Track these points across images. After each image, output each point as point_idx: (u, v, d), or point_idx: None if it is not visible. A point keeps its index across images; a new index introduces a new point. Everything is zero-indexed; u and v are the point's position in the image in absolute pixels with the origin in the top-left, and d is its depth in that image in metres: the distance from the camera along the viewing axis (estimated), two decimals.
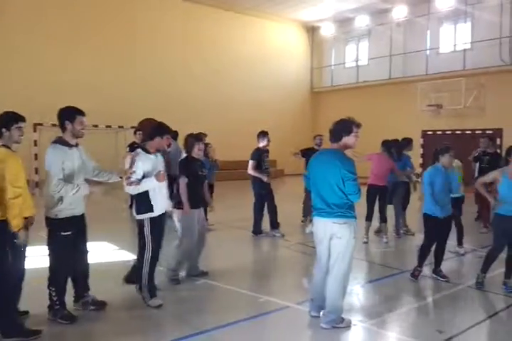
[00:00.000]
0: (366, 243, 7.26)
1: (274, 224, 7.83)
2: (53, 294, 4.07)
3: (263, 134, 7.76)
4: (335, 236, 4.02)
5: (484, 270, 5.09)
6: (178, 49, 17.24)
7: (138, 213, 4.45)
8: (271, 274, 5.84)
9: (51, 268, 4.09)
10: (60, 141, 4.07)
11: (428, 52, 17.65)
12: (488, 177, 5.19)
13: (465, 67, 16.18)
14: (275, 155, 21.39)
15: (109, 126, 14.42)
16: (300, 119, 21.23)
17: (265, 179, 7.56)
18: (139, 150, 4.49)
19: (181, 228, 5.32)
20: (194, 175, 5.33)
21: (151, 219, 4.41)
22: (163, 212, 4.58)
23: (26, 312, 4.18)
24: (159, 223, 4.51)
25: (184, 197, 5.21)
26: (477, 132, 14.88)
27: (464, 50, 16.48)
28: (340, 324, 4.09)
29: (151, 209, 4.37)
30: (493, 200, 5.07)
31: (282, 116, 20.32)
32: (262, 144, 7.75)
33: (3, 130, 3.77)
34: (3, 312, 3.75)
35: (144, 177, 4.32)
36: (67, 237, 4.04)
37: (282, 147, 20.95)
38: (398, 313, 4.50)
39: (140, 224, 4.44)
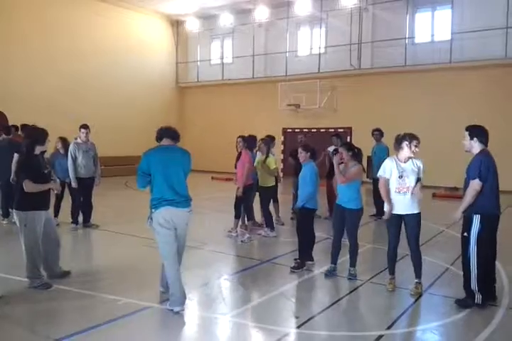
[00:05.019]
0: (229, 237, 7.48)
1: None
2: None
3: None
4: None
5: (334, 261, 5.53)
6: (34, 37, 15.58)
7: None
8: (130, 275, 5.53)
9: None
10: None
11: (287, 54, 18.61)
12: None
13: (320, 69, 17.40)
14: (141, 150, 20.86)
15: None
16: (166, 114, 20.73)
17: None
18: None
19: (21, 231, 4.84)
20: (37, 174, 4.84)
21: None
22: None
23: None
24: None
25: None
26: (330, 130, 16.12)
27: (319, 54, 17.70)
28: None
29: None
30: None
31: (148, 110, 19.65)
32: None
33: None
34: None
35: None
36: None
37: (148, 142, 20.43)
38: (259, 303, 4.66)
39: None
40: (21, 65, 15.18)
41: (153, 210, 4.34)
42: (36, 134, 5.00)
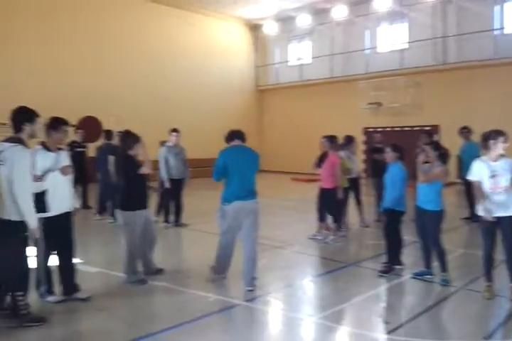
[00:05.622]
0: (312, 238, 7.43)
1: None
2: (20, 298, 3.96)
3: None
4: None
5: (426, 265, 5.36)
6: (115, 46, 16.67)
7: None
8: None
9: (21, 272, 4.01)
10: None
11: (367, 51, 18.19)
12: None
13: (402, 66, 16.81)
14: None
15: None
16: (247, 116, 21.17)
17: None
18: (38, 147, 4.36)
19: (123, 229, 5.17)
20: (132, 175, 5.14)
21: (46, 219, 4.25)
22: (64, 212, 4.43)
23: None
24: (56, 224, 4.36)
25: None
26: (415, 129, 15.51)
27: (401, 50, 17.11)
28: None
29: (43, 209, 4.18)
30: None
31: (229, 114, 20.16)
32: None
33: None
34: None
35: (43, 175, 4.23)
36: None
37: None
38: (346, 306, 4.59)
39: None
40: (103, 73, 16.25)
41: (226, 203, 4.85)
42: (129, 139, 5.34)
